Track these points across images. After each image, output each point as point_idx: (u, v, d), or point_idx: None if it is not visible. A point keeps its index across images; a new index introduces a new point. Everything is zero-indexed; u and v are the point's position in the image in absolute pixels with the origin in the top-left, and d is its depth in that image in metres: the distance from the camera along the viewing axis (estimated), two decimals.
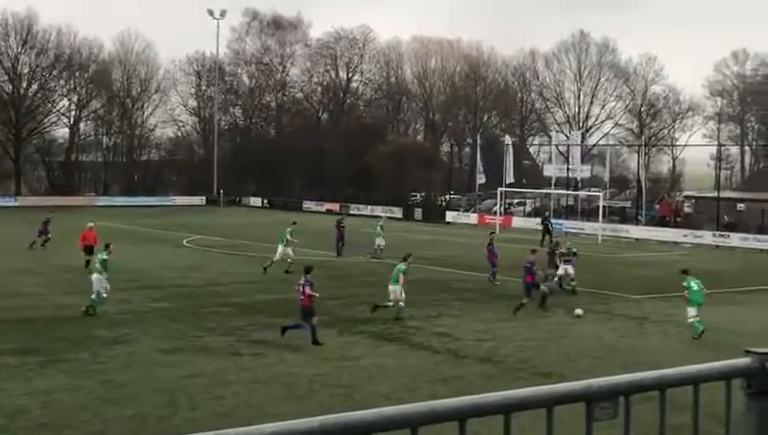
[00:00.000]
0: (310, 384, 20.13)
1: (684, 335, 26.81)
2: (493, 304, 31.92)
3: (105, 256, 29.47)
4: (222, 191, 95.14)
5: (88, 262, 37.07)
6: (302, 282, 24.51)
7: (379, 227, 47.04)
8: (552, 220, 61.28)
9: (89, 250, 37.97)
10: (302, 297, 24.26)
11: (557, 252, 35.69)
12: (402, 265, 29.07)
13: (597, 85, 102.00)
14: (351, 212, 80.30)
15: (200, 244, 51.67)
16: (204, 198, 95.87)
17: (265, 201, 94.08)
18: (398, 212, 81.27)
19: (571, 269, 34.65)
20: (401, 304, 28.31)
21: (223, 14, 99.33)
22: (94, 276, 28.56)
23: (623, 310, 31.38)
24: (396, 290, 28.40)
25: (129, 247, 43.71)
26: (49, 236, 46.36)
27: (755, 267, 45.68)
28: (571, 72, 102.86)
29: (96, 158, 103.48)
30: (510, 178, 75.91)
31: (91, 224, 40.90)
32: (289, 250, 40.01)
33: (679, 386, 2.64)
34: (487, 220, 71.17)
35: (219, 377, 20.58)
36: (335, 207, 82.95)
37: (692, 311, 26.17)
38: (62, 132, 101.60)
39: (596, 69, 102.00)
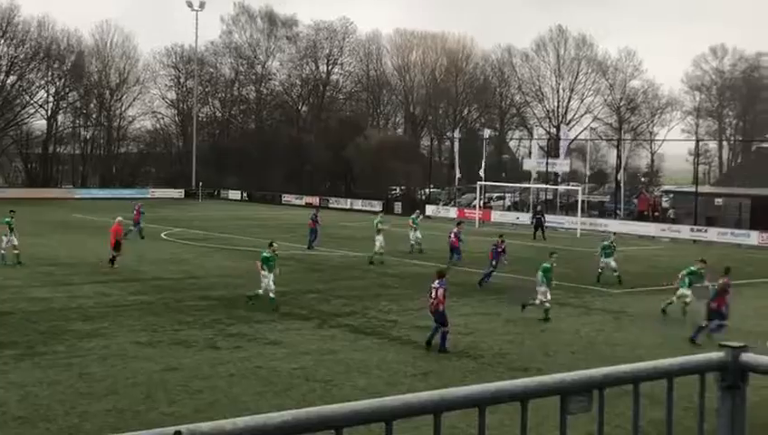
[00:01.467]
0: (288, 378, 20.13)
1: (661, 329, 26.99)
2: (472, 299, 31.97)
3: (267, 254, 29.39)
4: (201, 184, 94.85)
5: (113, 258, 37.02)
6: (435, 285, 23.25)
7: (411, 221, 47.39)
8: (539, 215, 61.21)
9: (118, 246, 37.52)
10: (434, 301, 23.13)
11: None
12: (547, 264, 28.49)
13: (575, 80, 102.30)
14: (331, 206, 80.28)
15: (179, 237, 51.53)
16: (182, 190, 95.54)
17: (245, 194, 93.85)
18: (377, 206, 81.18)
19: (612, 262, 36.36)
20: (547, 304, 27.68)
21: (202, 5, 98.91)
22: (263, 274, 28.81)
23: (601, 304, 31.55)
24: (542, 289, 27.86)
25: (107, 240, 43.47)
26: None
27: (732, 263, 45.77)
28: (549, 67, 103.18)
29: (74, 150, 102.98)
30: (482, 172, 76.06)
31: (120, 218, 39.60)
32: (381, 238, 41.42)
33: (654, 380, 2.65)
34: (467, 214, 71.27)
35: (197, 371, 20.55)
36: (315, 200, 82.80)
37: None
38: (39, 124, 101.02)
39: (574, 63, 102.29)
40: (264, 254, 29.45)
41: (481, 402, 2.13)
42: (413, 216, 49.14)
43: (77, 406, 17.58)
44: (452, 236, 41.34)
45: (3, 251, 37.43)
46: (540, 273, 28.19)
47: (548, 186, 77.89)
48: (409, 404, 2.00)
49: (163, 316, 26.96)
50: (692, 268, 30.34)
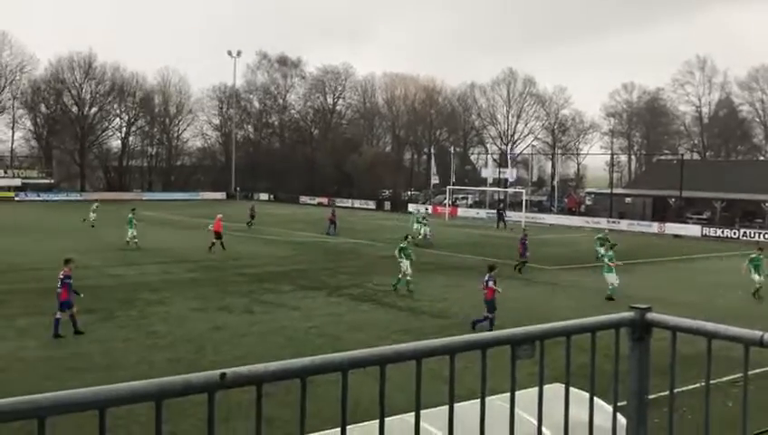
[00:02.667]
0: (305, 335, 20.10)
1: (585, 296, 27.02)
2: (445, 274, 32.00)
3: (404, 245, 28.02)
4: (238, 188, 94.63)
5: (212, 244, 37.21)
6: (485, 278, 21.39)
7: (421, 218, 46.18)
8: (419, 209, 60.44)
9: (218, 235, 37.70)
10: (485, 291, 21.24)
11: (526, 239, 34.57)
12: (611, 253, 26.73)
13: (521, 109, 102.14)
14: (336, 205, 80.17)
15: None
16: (224, 193, 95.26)
17: (272, 196, 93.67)
18: (371, 204, 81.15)
19: (601, 250, 33.96)
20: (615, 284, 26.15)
21: (239, 53, 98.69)
22: (403, 262, 27.32)
23: (541, 277, 31.57)
24: (611, 276, 26.33)
25: (169, 231, 43.41)
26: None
27: (639, 246, 45.96)
28: (502, 99, 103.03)
29: (142, 163, 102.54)
30: (453, 179, 76.15)
31: (220, 215, 39.75)
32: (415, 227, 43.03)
33: (581, 333, 2.65)
34: (439, 210, 71.26)
35: (236, 330, 20.51)
36: (324, 200, 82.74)
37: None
38: (116, 144, 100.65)
39: (521, 97, 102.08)
40: (401, 245, 27.94)
41: (452, 350, 2.13)
42: (421, 214, 48.94)
43: (145, 356, 17.56)
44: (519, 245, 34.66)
45: (128, 239, 38.11)
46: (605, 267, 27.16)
47: (500, 189, 77.88)
48: (398, 352, 1.99)
49: (210, 289, 26.91)
50: (752, 255, 28.69)
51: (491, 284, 21.11)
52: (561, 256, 39.77)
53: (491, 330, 20.70)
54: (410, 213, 47.01)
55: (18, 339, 19.02)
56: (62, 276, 19.92)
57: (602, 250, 33.69)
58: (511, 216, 67.43)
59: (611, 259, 27.43)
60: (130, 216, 38.75)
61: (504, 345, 2.30)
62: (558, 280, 31.03)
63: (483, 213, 67.50)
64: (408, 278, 26.85)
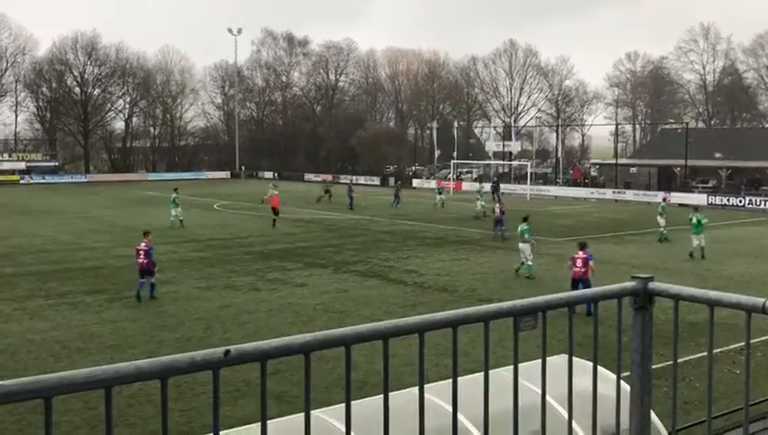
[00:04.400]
0: (312, 311, 20.20)
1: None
2: (448, 248, 32.03)
3: (525, 227, 25.65)
4: (242, 167, 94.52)
5: (274, 221, 38.46)
6: (581, 255, 20.53)
7: (478, 194, 46.20)
8: (482, 184, 60.52)
9: (275, 212, 38.95)
10: (579, 269, 20.36)
11: (502, 208, 35.18)
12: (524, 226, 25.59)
13: (524, 81, 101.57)
14: (341, 181, 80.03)
15: (227, 208, 51.47)
16: (228, 172, 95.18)
17: (275, 174, 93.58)
18: (376, 180, 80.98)
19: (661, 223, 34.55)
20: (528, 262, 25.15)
21: (239, 31, 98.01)
22: (521, 245, 25.38)
23: (546, 249, 31.49)
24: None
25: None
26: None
27: (643, 216, 45.88)
28: (504, 72, 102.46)
29: (146, 143, 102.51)
30: (455, 153, 75.95)
31: (275, 191, 40.75)
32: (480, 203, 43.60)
33: (583, 303, 2.66)
34: (443, 184, 71.08)
35: (244, 307, 20.62)
36: (329, 177, 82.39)
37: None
38: (119, 125, 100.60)
39: (523, 69, 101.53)
40: (522, 227, 25.60)
41: (454, 323, 2.14)
42: (477, 187, 48.80)
43: (155, 335, 17.68)
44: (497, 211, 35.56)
45: (172, 219, 38.53)
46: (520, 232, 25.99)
47: (504, 162, 77.69)
48: (400, 326, 2.00)
49: (217, 267, 27.00)
50: (691, 217, 29.61)
51: (591, 264, 20.40)
52: (566, 227, 39.74)
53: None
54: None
55: (28, 320, 19.17)
56: (145, 248, 21.36)
57: (662, 221, 34.24)
58: (515, 188, 67.38)
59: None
60: (174, 195, 39.39)
61: (507, 317, 2.30)
62: (564, 252, 31.00)
63: (487, 186, 67.13)
64: (529, 263, 25.06)
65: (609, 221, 43.05)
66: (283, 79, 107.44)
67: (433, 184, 74.11)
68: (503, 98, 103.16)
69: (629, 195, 60.29)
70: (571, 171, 77.58)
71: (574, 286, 20.09)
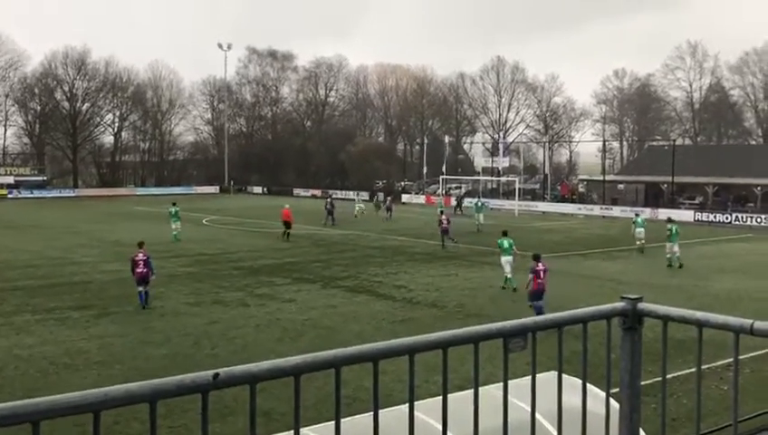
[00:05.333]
0: (301, 327, 20.11)
1: (579, 283, 27.10)
2: (437, 263, 32.02)
3: (507, 241, 25.92)
4: (232, 182, 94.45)
5: (285, 233, 39.81)
6: (542, 268, 20.79)
7: (475, 206, 49.17)
8: (481, 200, 61.06)
9: (287, 225, 40.17)
10: (542, 281, 20.67)
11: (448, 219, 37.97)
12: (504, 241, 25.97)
13: (512, 97, 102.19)
14: (335, 196, 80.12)
15: (216, 222, 51.34)
16: (218, 187, 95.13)
17: (265, 189, 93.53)
18: (365, 195, 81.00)
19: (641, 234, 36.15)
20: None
21: (229, 46, 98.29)
22: (503, 259, 25.67)
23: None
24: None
25: (162, 226, 43.31)
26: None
27: (630, 232, 46.03)
28: (492, 88, 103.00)
29: (135, 158, 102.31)
30: (444, 168, 76.14)
31: (287, 205, 42.05)
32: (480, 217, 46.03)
33: (573, 324, 2.66)
34: (432, 200, 71.29)
35: (232, 323, 20.51)
36: (318, 192, 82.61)
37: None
38: (108, 139, 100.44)
39: (510, 85, 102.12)
40: (503, 241, 25.96)
41: (444, 345, 2.13)
42: (476, 202, 51.31)
43: (142, 351, 17.55)
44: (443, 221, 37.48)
45: (175, 232, 39.49)
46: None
47: (492, 178, 77.95)
48: (390, 348, 2.00)
49: (205, 283, 26.88)
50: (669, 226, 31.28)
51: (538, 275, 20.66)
52: (554, 243, 39.83)
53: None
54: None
55: (15, 336, 18.99)
56: (143, 257, 22.45)
57: (639, 233, 35.87)
58: (503, 204, 67.58)
59: None
60: (174, 209, 40.23)
61: (497, 338, 2.30)
62: (553, 267, 30.99)
63: (473, 202, 67.47)
64: (509, 276, 25.26)
65: (596, 237, 43.21)
66: (273, 94, 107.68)
67: (422, 199, 74.46)
68: (491, 114, 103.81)
69: (617, 211, 60.52)
70: (558, 187, 77.95)
71: (539, 297, 20.47)
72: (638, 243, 36.26)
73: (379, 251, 36.29)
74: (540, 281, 20.72)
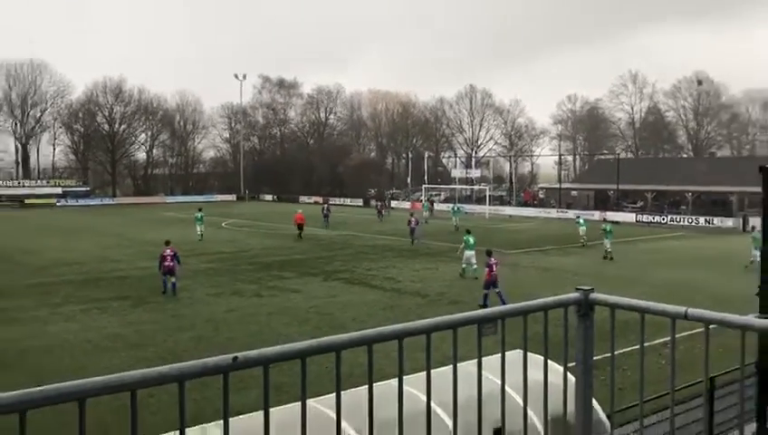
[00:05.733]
0: (306, 313, 20.06)
1: (541, 275, 27.15)
2: (422, 259, 32.01)
3: (471, 238, 26.46)
4: (246, 191, 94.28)
5: (299, 235, 39.67)
6: (494, 261, 21.01)
7: (451, 209, 50.17)
8: (457, 205, 61.09)
9: (300, 227, 40.25)
10: (494, 272, 20.71)
11: (417, 220, 38.71)
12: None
13: (483, 119, 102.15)
14: (330, 203, 79.88)
15: (234, 225, 51.13)
16: (234, 195, 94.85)
17: (275, 197, 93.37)
18: (359, 202, 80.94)
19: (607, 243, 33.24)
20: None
21: (245, 76, 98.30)
22: (467, 253, 26.03)
23: (503, 260, 31.54)
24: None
25: (188, 229, 43.12)
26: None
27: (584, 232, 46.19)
28: (466, 111, 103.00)
29: (164, 171, 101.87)
30: (426, 178, 76.01)
31: (300, 210, 42.20)
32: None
33: (535, 312, 2.67)
34: (416, 205, 70.93)
35: (247, 311, 20.43)
36: (320, 199, 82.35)
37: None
38: (141, 155, 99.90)
39: (481, 108, 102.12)
40: (467, 237, 26.46)
41: (428, 331, 2.14)
42: (452, 206, 51.49)
43: (172, 335, 17.47)
44: (411, 222, 38.83)
45: (200, 234, 39.23)
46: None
47: (467, 186, 77.92)
48: (382, 334, 2.00)
49: (225, 277, 26.78)
50: (604, 226, 32.37)
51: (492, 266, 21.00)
52: (519, 241, 39.93)
53: (484, 305, 20.55)
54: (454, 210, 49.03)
55: (63, 323, 18.87)
56: (171, 253, 22.77)
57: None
58: (475, 208, 67.60)
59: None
60: (200, 214, 40.30)
61: (472, 325, 2.31)
62: (518, 261, 31.13)
63: (444, 207, 67.37)
64: (475, 267, 25.39)
65: (554, 236, 43.31)
66: (281, 116, 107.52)
67: (408, 205, 74.44)
68: (465, 132, 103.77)
69: (571, 214, 60.68)
70: (522, 194, 78.07)
71: (493, 286, 20.75)
72: (581, 241, 36.87)
73: (372, 249, 36.29)
74: (493, 272, 21.02)
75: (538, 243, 38.73)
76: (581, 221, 38.55)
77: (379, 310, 20.40)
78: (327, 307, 20.84)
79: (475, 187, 76.90)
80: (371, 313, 19.95)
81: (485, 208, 64.43)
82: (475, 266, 25.54)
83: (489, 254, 21.74)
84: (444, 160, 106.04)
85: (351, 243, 39.31)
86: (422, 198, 72.10)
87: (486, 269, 21.33)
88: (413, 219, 38.65)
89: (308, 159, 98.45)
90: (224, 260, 31.62)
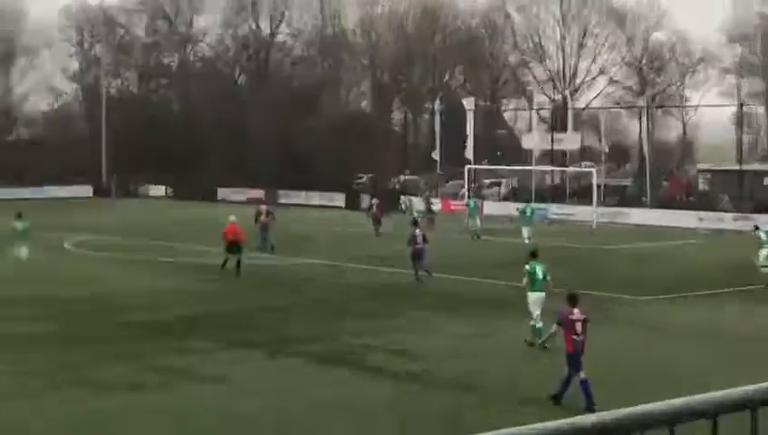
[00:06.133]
0: (235, 430, 19.84)
1: (706, 345, 27.04)
2: (464, 312, 31.88)
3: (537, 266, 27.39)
4: (114, 179, 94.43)
5: (229, 262, 40.83)
6: (578, 316, 21.34)
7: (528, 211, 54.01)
8: (531, 205, 61.07)
9: (234, 248, 41.11)
10: (581, 337, 21.06)
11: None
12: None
13: (585, 33, 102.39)
14: (282, 202, 79.93)
15: (88, 247, 50.99)
16: (90, 187, 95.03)
17: (169, 190, 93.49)
18: (339, 199, 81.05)
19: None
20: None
21: None
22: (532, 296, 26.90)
23: (625, 315, 31.39)
24: None
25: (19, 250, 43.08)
26: None
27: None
28: (552, 17, 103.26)
29: None
30: (470, 154, 76.12)
31: (233, 217, 42.82)
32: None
33: (726, 413, 2.64)
34: (453, 207, 70.85)
35: (109, 422, 20.07)
36: (261, 194, 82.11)
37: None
38: None
39: (583, 12, 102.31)
40: (533, 266, 27.23)
41: None
42: (523, 208, 54.50)
43: None
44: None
45: (22, 256, 42.54)
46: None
47: (554, 168, 77.98)
48: None
49: (70, 351, 26.40)
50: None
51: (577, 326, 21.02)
52: (661, 278, 39.86)
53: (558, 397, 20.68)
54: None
55: None
56: None
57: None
58: (572, 212, 67.70)
59: None
60: (21, 224, 42.94)
61: None
62: (657, 319, 30.96)
63: (518, 208, 67.26)
64: (534, 323, 26.28)
65: (730, 265, 43.17)
66: (182, 30, 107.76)
67: (436, 204, 74.47)
68: (551, 61, 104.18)
69: (764, 222, 60.66)
70: (665, 183, 78.13)
71: (574, 365, 20.63)
72: (763, 270, 37.56)
73: (366, 292, 36.22)
74: (576, 338, 20.91)
75: (695, 280, 38.65)
76: (764, 236, 38.93)
77: (388, 424, 19.97)
78: (276, 417, 20.69)
79: (571, 168, 77.03)
80: (369, 431, 19.73)
81: (591, 212, 64.45)
82: (540, 325, 25.52)
83: (571, 301, 21.62)
84: (507, 116, 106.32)
85: (326, 281, 39.21)
86: (463, 190, 72.21)
87: (561, 330, 21.24)
88: (417, 232, 38.93)
89: (236, 115, 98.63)
90: (70, 316, 31.42)
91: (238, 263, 40.24)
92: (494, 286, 36.96)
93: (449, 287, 37.17)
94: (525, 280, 27.16)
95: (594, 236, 56.52)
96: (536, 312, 26.24)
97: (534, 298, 26.46)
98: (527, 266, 27.27)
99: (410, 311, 32.40)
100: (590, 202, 66.25)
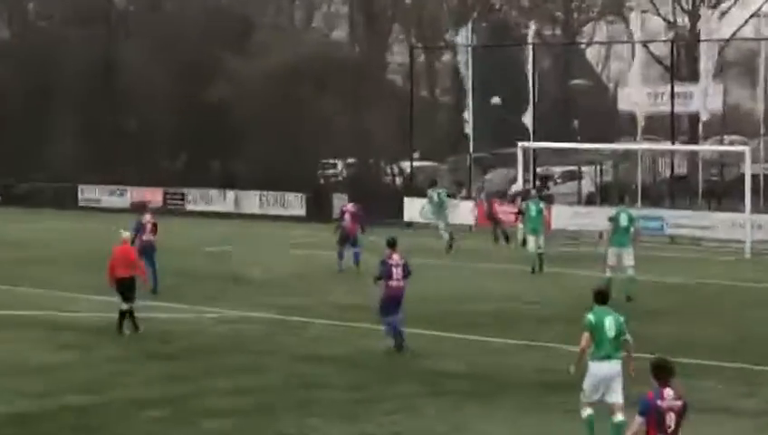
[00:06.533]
0: None
1: None
2: (512, 399, 31.96)
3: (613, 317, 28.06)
4: None
5: (124, 314, 41.98)
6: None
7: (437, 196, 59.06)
8: (618, 208, 61.28)
9: (126, 286, 42.40)
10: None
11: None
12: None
13: None
14: (190, 208, 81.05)
15: None
16: None
17: None
18: (296, 205, 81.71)
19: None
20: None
21: None
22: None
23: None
24: None
25: None
26: None
27: None
28: None
29: None
30: (529, 122, 76.56)
31: (125, 232, 45.38)
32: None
33: None
34: (498, 216, 70.96)
35: None
36: (157, 194, 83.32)
37: None
38: None
39: None
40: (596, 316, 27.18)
41: None
42: (526, 204, 57.97)
43: None
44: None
45: None
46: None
47: (673, 147, 78.27)
48: None
49: None
50: None
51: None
52: None
53: None
54: None
55: None
56: None
57: None
58: (711, 223, 67.87)
59: None
60: None
61: None
62: None
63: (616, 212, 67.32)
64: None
65: None
66: None
67: (469, 213, 74.95)
68: None
69: None
70: None
71: None
72: None
73: (339, 370, 36.25)
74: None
75: None
76: None
77: None
78: None
79: (705, 147, 77.46)
80: None
81: (744, 221, 64.59)
82: (621, 419, 25.75)
83: (661, 374, 21.50)
84: (589, 56, 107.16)
85: (271, 349, 39.38)
86: (513, 187, 72.67)
87: (641, 420, 21.39)
88: (395, 260, 39.08)
89: (109, 56, 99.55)
90: None
91: (131, 313, 41.40)
92: (567, 355, 37.03)
93: (486, 356, 37.32)
94: (585, 338, 26.60)
95: (746, 265, 56.81)
96: (595, 396, 26.20)
97: (598, 370, 26.34)
98: (590, 317, 26.73)
99: (417, 398, 32.34)
100: (739, 205, 66.27)
